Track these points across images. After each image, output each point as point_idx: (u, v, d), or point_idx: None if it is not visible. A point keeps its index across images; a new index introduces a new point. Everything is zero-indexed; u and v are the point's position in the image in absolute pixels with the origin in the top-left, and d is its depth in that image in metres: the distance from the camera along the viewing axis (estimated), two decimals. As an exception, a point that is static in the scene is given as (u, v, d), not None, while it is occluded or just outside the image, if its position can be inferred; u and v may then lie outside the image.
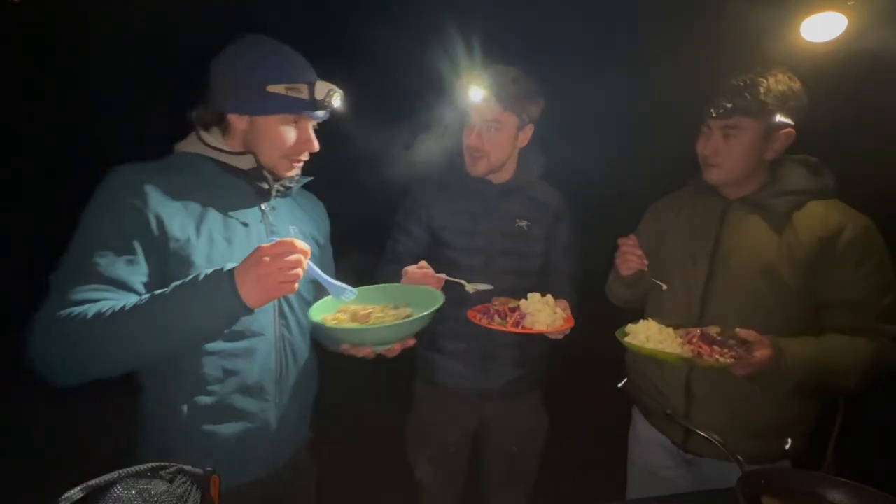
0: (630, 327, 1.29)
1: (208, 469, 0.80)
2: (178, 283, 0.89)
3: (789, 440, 1.29)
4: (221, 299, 0.85)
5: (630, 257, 1.37)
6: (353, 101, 1.19)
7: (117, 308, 0.85)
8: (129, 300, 0.88)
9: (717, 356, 1.14)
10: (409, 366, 1.68)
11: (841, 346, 1.19)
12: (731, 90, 1.24)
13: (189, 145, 1.07)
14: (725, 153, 1.28)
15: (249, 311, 0.87)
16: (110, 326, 0.84)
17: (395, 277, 1.30)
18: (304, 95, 1.02)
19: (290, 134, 1.06)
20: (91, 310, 0.85)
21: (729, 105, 1.23)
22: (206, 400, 1.01)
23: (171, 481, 0.75)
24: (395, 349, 1.09)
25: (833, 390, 1.24)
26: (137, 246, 0.92)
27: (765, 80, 1.22)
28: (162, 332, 0.87)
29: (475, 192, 1.52)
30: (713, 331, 1.21)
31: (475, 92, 1.38)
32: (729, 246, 1.32)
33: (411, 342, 1.11)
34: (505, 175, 1.53)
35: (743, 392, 1.26)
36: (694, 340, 1.19)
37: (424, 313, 1.02)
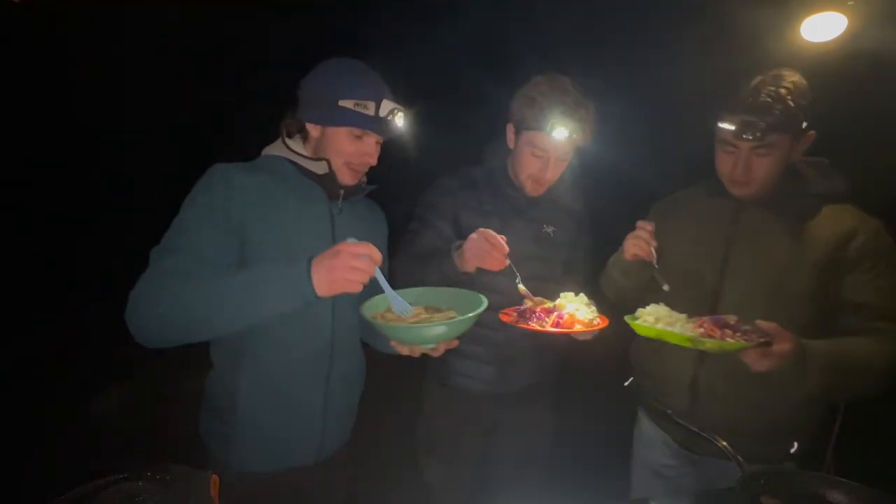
0: (640, 311, 1.25)
1: (208, 470, 0.80)
2: (263, 264, 1.01)
3: (795, 443, 1.29)
4: (296, 280, 0.95)
5: (642, 243, 1.31)
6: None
7: (205, 280, 0.97)
8: (217, 275, 0.99)
9: (727, 338, 1.08)
10: (420, 367, 1.67)
11: (861, 345, 1.16)
12: (759, 108, 1.18)
13: (274, 149, 1.20)
14: (758, 170, 1.24)
15: (317, 297, 0.95)
16: (197, 295, 0.95)
17: (432, 270, 1.33)
18: (370, 112, 1.13)
19: (354, 146, 1.15)
20: (182, 280, 0.97)
21: (763, 125, 1.18)
22: (264, 384, 1.13)
23: (171, 482, 0.75)
24: (439, 349, 1.13)
25: (855, 391, 1.19)
26: (224, 230, 1.05)
27: (786, 90, 1.18)
28: (241, 303, 0.97)
29: (506, 196, 1.51)
30: (731, 319, 1.15)
31: (560, 132, 1.33)
32: (741, 251, 1.30)
33: (455, 343, 1.14)
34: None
35: (749, 393, 1.25)
36: (705, 325, 1.13)
37: (469, 315, 1.06)
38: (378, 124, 1.13)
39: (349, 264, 0.94)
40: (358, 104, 1.11)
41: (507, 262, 1.26)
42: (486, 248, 1.23)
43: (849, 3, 1.62)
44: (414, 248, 1.49)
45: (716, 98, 1.30)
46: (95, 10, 4.09)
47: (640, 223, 1.34)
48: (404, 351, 1.14)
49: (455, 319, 1.05)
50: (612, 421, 1.95)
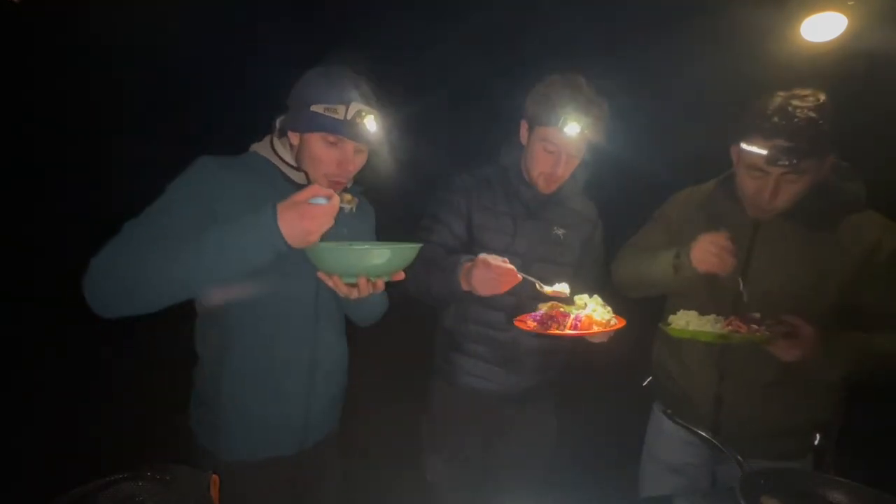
0: (671, 317, 1.30)
1: (209, 470, 0.80)
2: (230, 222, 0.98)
3: (818, 435, 1.30)
4: (266, 231, 0.94)
5: (720, 260, 1.20)
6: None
7: (172, 241, 0.96)
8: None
9: (756, 332, 1.14)
10: (425, 365, 1.68)
11: (886, 337, 1.18)
12: (794, 133, 1.12)
13: (261, 148, 1.20)
14: (785, 195, 1.19)
15: (286, 243, 0.95)
16: (166, 254, 0.94)
17: (437, 282, 1.32)
18: (340, 116, 1.10)
19: (330, 153, 1.13)
20: (149, 244, 0.96)
21: (799, 152, 1.12)
22: (247, 374, 1.15)
23: (171, 482, 0.75)
24: (361, 284, 1.05)
25: (879, 377, 1.21)
26: (200, 217, 1.03)
27: (817, 112, 1.12)
28: (206, 258, 0.95)
29: (519, 195, 1.51)
30: (755, 316, 1.20)
31: (572, 127, 1.33)
32: (762, 262, 1.28)
33: (380, 284, 1.09)
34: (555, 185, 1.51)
35: (773, 397, 1.26)
36: (734, 323, 1.19)
37: (412, 245, 1.04)
38: (348, 128, 1.11)
39: (308, 220, 0.94)
40: (328, 108, 1.10)
41: (521, 277, 1.23)
42: (494, 277, 1.21)
43: (849, 3, 1.62)
44: (424, 249, 1.47)
45: (735, 115, 1.25)
46: (94, 11, 4.09)
47: (718, 237, 1.21)
48: (328, 283, 1.07)
49: (400, 246, 1.03)
50: (617, 419, 1.95)
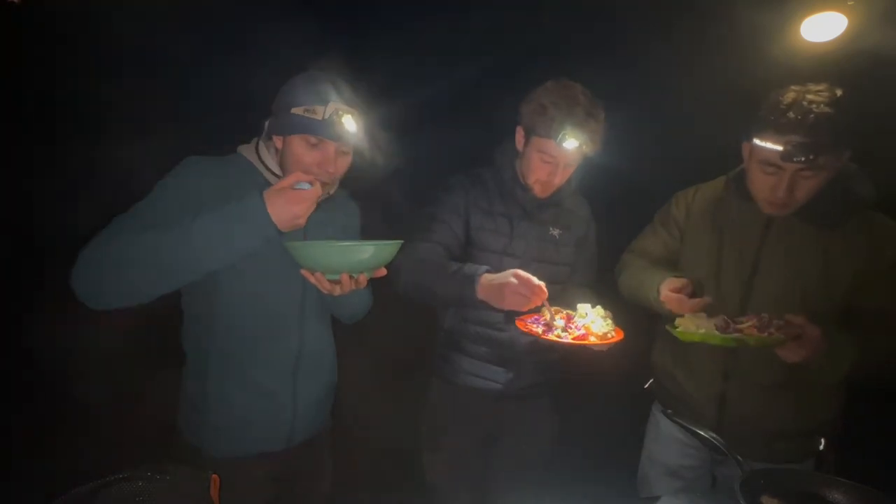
0: (679, 320, 1.25)
1: (208, 470, 0.80)
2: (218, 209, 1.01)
3: (822, 440, 1.30)
4: (255, 216, 0.98)
5: (685, 307, 1.22)
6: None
7: (161, 230, 0.98)
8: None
9: (766, 333, 1.12)
10: (425, 365, 1.68)
11: (885, 335, 1.18)
12: (810, 128, 1.10)
13: (246, 151, 1.23)
14: (800, 192, 1.18)
15: (275, 228, 0.99)
16: (154, 243, 0.96)
17: (444, 286, 1.32)
18: (319, 116, 1.12)
19: (312, 155, 1.15)
20: (138, 233, 0.98)
21: (815, 147, 1.10)
22: (234, 373, 1.17)
23: (171, 482, 0.75)
24: (343, 280, 1.07)
25: (885, 375, 1.20)
26: (187, 213, 1.03)
27: (834, 107, 1.11)
28: (193, 245, 0.97)
29: (515, 197, 1.52)
30: (763, 316, 1.17)
31: (570, 143, 1.33)
32: (771, 262, 1.28)
33: (363, 280, 1.10)
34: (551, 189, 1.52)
35: (777, 398, 1.27)
36: (745, 329, 1.16)
37: (394, 241, 1.06)
38: (326, 127, 1.12)
39: (295, 204, 0.98)
40: (307, 110, 1.12)
41: (543, 304, 1.23)
42: (527, 294, 1.21)
43: (849, 3, 1.62)
44: (424, 249, 1.46)
45: (744, 111, 1.24)
46: (93, 10, 4.09)
47: (675, 282, 1.25)
48: (311, 279, 1.09)
49: (382, 242, 1.06)
50: (617, 419, 1.95)
